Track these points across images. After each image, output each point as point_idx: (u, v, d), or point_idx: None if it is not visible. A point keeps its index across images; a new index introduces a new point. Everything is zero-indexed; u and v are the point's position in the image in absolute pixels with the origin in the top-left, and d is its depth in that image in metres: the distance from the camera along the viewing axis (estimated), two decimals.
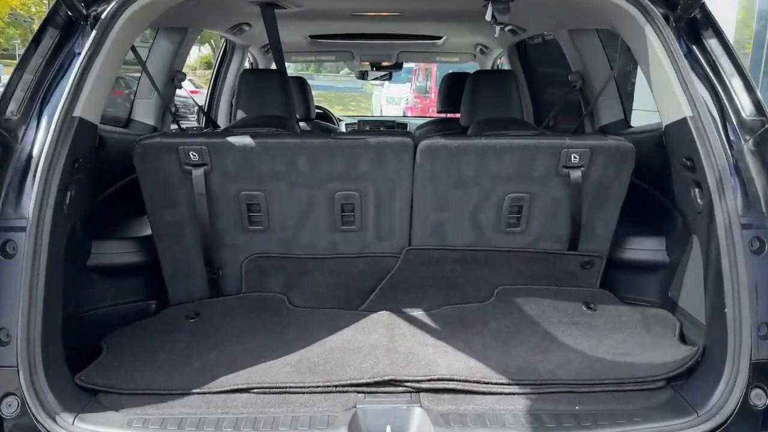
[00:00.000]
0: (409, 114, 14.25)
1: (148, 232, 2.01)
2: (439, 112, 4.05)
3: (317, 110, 4.53)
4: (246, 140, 1.83)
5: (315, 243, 2.01)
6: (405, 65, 5.53)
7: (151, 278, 2.06)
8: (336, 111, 5.79)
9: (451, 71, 4.16)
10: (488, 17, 1.85)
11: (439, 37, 3.98)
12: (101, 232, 1.96)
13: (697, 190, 1.64)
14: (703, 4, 1.69)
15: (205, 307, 1.99)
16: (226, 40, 3.71)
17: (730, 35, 2.01)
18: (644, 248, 2.06)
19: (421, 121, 4.63)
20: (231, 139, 1.83)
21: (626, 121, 2.72)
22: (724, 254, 1.50)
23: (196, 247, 1.97)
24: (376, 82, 8.06)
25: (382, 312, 1.93)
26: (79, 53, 1.59)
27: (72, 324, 1.69)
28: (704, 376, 1.55)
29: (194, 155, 1.82)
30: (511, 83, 2.65)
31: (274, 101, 2.49)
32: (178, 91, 2.85)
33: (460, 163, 1.89)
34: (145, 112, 2.67)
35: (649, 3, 1.68)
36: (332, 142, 1.86)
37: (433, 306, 1.99)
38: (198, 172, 1.84)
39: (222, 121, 3.72)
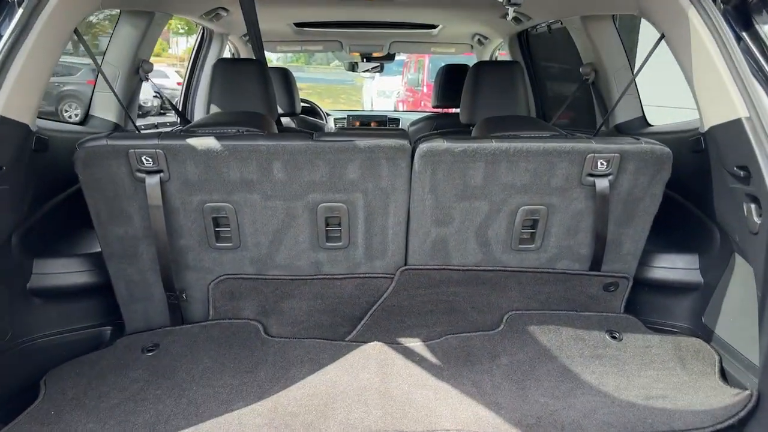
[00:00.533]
0: (401, 107, 13.94)
1: (98, 248, 1.71)
2: (434, 107, 3.76)
3: (304, 104, 4.22)
4: (211, 142, 1.54)
5: (295, 262, 1.72)
6: (396, 57, 5.23)
7: (106, 301, 1.77)
8: (326, 104, 5.48)
9: (445, 63, 3.86)
10: None
11: (435, 26, 3.69)
12: (44, 250, 1.67)
13: (752, 205, 1.37)
14: None
15: (165, 338, 1.70)
16: (203, 28, 3.39)
17: None
18: (675, 266, 1.79)
19: (415, 116, 4.33)
20: (192, 141, 1.53)
21: (644, 118, 2.44)
22: None
23: (154, 268, 1.67)
24: (367, 74, 7.75)
25: (373, 343, 1.65)
26: (1, 37, 1.30)
27: (6, 359, 1.40)
28: (760, 429, 1.29)
29: (148, 160, 1.52)
30: (518, 76, 2.36)
31: (251, 95, 2.19)
32: (166, 83, 2.54)
33: (466, 169, 1.60)
34: (105, 107, 2.36)
35: None
36: (314, 146, 1.57)
37: (434, 335, 1.71)
38: (152, 181, 1.54)
39: (198, 117, 3.41)
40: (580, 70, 2.54)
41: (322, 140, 1.58)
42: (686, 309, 1.78)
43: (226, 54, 3.93)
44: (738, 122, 1.35)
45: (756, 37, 1.42)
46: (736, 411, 1.33)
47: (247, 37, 3.77)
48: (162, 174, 1.54)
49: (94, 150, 1.51)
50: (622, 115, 2.42)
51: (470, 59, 4.73)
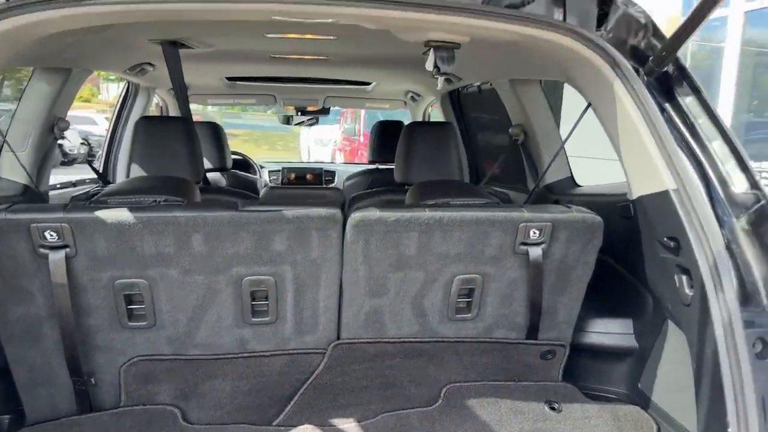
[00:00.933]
0: (338, 156, 13.98)
1: None
2: (370, 161, 3.74)
3: (235, 157, 4.11)
4: (122, 215, 1.42)
5: (217, 340, 1.59)
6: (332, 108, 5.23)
7: (3, 387, 1.58)
8: (262, 151, 5.37)
9: (381, 119, 3.88)
10: (429, 66, 1.55)
11: (369, 83, 3.71)
12: None
13: (684, 276, 1.37)
14: (677, 58, 1.45)
15: (71, 428, 1.52)
16: (128, 81, 3.26)
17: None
18: (609, 331, 1.78)
19: (351, 169, 4.29)
20: (101, 213, 1.41)
21: (572, 178, 2.49)
22: (724, 360, 1.21)
23: (59, 350, 1.50)
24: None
25: (304, 426, 1.53)
26: None
27: None
28: None
29: (52, 235, 1.38)
30: (450, 137, 2.36)
31: (175, 157, 2.08)
32: (94, 130, 2.38)
33: (399, 239, 1.55)
34: (14, 168, 2.18)
35: (618, 53, 1.43)
36: (238, 217, 1.47)
37: (369, 414, 1.61)
38: (57, 257, 1.40)
39: (121, 178, 3.23)
40: (510, 131, 2.58)
41: (247, 211, 1.48)
42: (623, 375, 1.76)
43: (153, 107, 3.80)
44: (665, 194, 1.36)
45: (679, 109, 1.46)
46: None
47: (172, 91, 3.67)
48: (68, 249, 1.40)
49: None
50: (552, 175, 2.46)
51: (405, 113, 4.79)
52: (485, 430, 1.55)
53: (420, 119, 4.32)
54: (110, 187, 1.87)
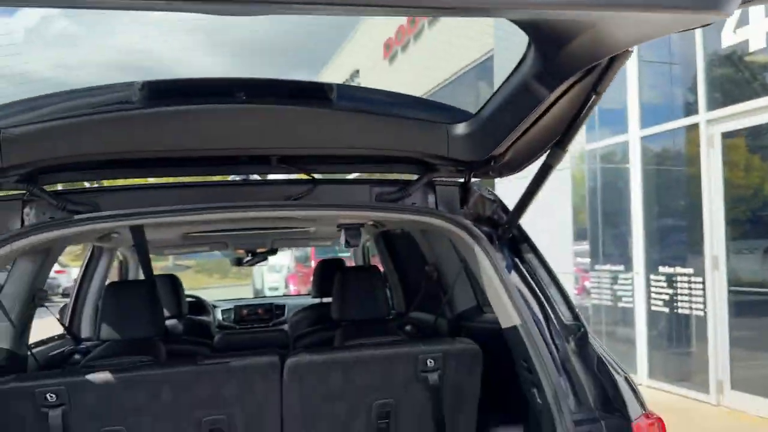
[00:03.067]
0: (291, 283, 14.40)
1: None
2: (314, 297, 4.19)
3: (190, 299, 4.49)
4: (107, 376, 1.81)
5: None
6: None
7: None
8: (215, 281, 5.71)
9: (323, 259, 4.40)
10: (342, 241, 2.07)
11: (310, 227, 4.24)
12: None
13: (535, 390, 1.83)
14: (519, 225, 2.02)
15: None
16: (93, 246, 3.69)
17: None
18: None
19: (299, 301, 4.72)
20: (91, 376, 1.81)
21: (480, 307, 2.99)
22: None
23: None
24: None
25: None
26: None
27: None
28: None
29: (52, 396, 1.76)
30: (376, 279, 2.86)
31: (141, 317, 2.48)
32: (62, 278, 2.74)
33: (328, 377, 1.98)
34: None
35: (473, 226, 1.97)
36: (195, 370, 1.89)
37: None
38: (55, 413, 1.76)
39: (86, 330, 3.57)
40: (426, 268, 3.10)
41: (204, 364, 1.91)
42: None
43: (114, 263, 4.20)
44: (515, 328, 1.85)
45: (523, 261, 2.00)
46: None
47: (134, 247, 4.11)
48: (64, 407, 1.77)
49: (1, 393, 1.73)
50: (462, 305, 2.96)
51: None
52: None
53: (360, 253, 4.88)
54: (96, 352, 2.25)
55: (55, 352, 2.92)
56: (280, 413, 1.97)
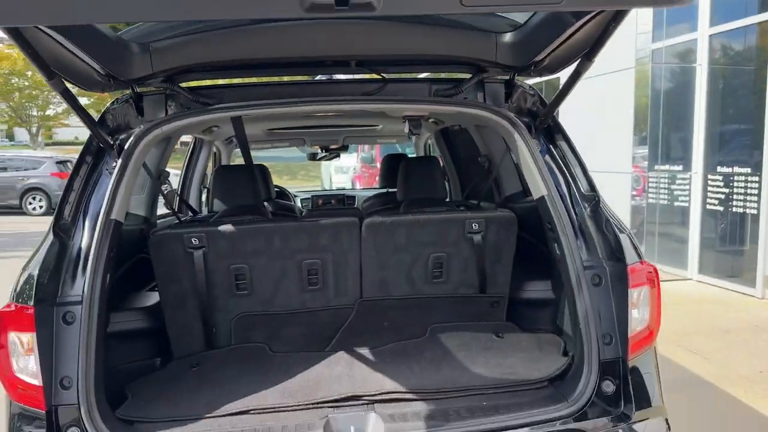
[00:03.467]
0: (357, 182, 15.12)
1: (150, 303, 2.55)
2: (381, 187, 4.77)
3: (275, 189, 5.18)
4: (233, 227, 2.45)
5: (288, 301, 2.61)
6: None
7: (156, 340, 2.59)
8: (284, 182, 6.42)
9: (389, 154, 4.93)
10: (405, 130, 2.57)
11: (378, 125, 4.75)
12: (116, 305, 2.50)
13: (555, 244, 2.33)
14: (554, 116, 2.44)
15: (203, 359, 2.53)
16: (195, 138, 4.36)
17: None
18: (537, 289, 2.74)
19: (367, 193, 5.34)
20: (222, 228, 2.45)
21: (524, 191, 3.46)
22: (576, 288, 2.15)
23: (196, 312, 2.53)
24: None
25: (341, 351, 2.52)
26: (109, 172, 2.18)
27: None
28: (572, 375, 2.17)
29: (195, 241, 2.42)
30: (435, 169, 3.37)
31: (246, 191, 3.13)
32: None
33: (394, 233, 2.55)
34: (137, 206, 3.25)
35: (515, 117, 2.41)
36: (298, 225, 2.51)
37: (381, 344, 2.59)
38: (198, 254, 2.43)
39: (193, 206, 4.33)
40: (479, 159, 3.57)
41: (304, 221, 2.51)
42: (546, 316, 2.71)
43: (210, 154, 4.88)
44: (543, 198, 2.33)
45: (556, 146, 2.44)
46: (560, 368, 2.23)
47: (228, 140, 4.78)
48: (204, 249, 2.43)
49: (163, 236, 2.40)
50: (509, 190, 3.44)
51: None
52: (454, 349, 2.51)
53: (422, 149, 5.38)
54: (221, 212, 2.92)
55: (179, 221, 3.66)
56: (359, 259, 2.58)
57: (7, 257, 10.60)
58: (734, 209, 7.04)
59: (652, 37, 7.65)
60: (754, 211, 6.74)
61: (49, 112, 35.06)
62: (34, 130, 35.29)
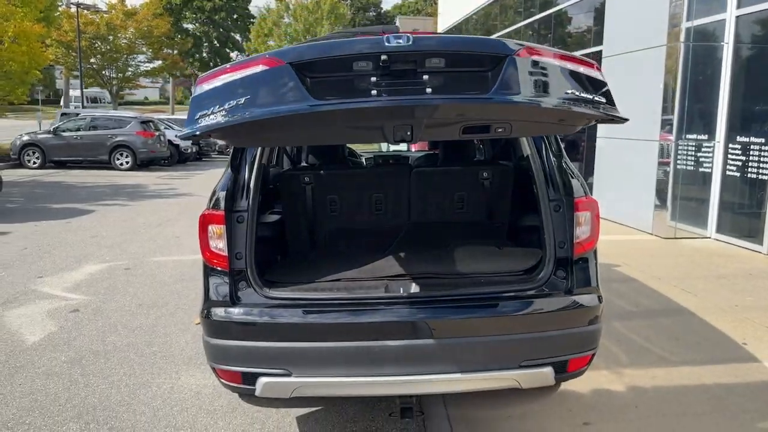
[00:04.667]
0: (412, 149, 16.39)
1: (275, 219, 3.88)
2: (429, 149, 6.01)
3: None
4: (329, 171, 3.74)
5: (363, 220, 3.90)
6: None
7: (280, 243, 3.93)
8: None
9: None
10: None
11: None
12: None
13: (534, 186, 3.44)
14: None
15: (310, 254, 3.84)
16: None
17: None
18: (528, 218, 3.91)
19: (417, 155, 6.59)
20: (322, 172, 3.74)
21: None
22: (544, 213, 3.19)
23: (305, 225, 3.85)
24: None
25: (396, 251, 3.77)
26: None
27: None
28: (540, 267, 3.21)
29: (307, 179, 3.72)
30: (468, 141, 4.55)
31: (333, 150, 4.42)
32: None
33: (432, 178, 3.78)
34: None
35: None
36: (369, 171, 3.77)
37: (421, 248, 3.83)
38: (309, 187, 3.74)
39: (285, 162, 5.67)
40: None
41: (373, 169, 3.77)
42: (535, 237, 3.88)
43: None
44: (527, 156, 3.47)
45: None
46: (532, 262, 3.34)
47: None
48: (312, 185, 3.73)
49: (289, 175, 3.72)
50: (523, 151, 4.57)
51: None
52: (469, 253, 3.70)
53: None
54: (319, 163, 4.24)
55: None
56: (408, 195, 3.82)
57: (111, 204, 12.43)
58: (749, 175, 7.86)
59: (684, 16, 8.39)
60: (766, 177, 7.57)
61: (126, 74, 37.53)
62: (114, 90, 37.94)
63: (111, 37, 34.56)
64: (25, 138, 19.37)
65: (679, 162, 8.68)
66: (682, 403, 3.70)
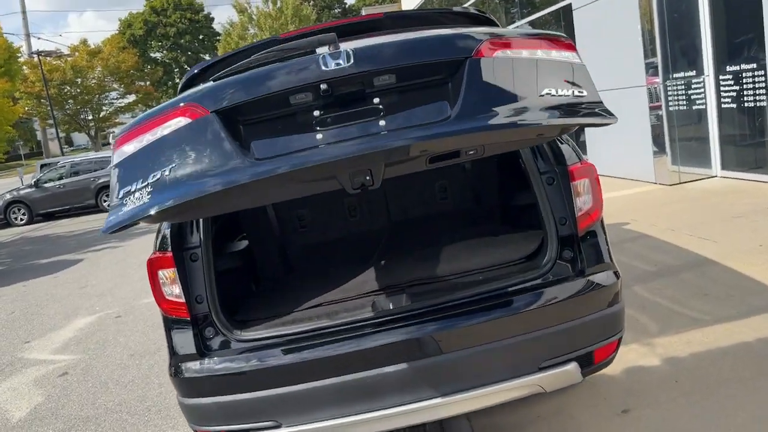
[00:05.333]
0: None
1: (242, 247, 3.50)
2: None
3: None
4: None
5: (338, 230, 3.52)
6: None
7: (250, 272, 3.56)
8: None
9: None
10: None
11: None
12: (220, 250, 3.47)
13: (520, 159, 3.05)
14: None
15: (284, 278, 3.48)
16: None
17: None
18: (522, 197, 3.52)
19: None
20: None
21: None
22: (537, 188, 2.74)
23: (274, 245, 3.47)
24: None
25: (380, 257, 3.40)
26: None
27: None
28: (542, 250, 2.81)
29: None
30: None
31: None
32: None
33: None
34: None
35: None
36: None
37: (408, 249, 3.46)
38: (270, 205, 3.35)
39: None
40: None
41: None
42: (533, 218, 3.49)
43: None
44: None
45: None
46: (533, 247, 2.96)
47: None
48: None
49: None
50: None
51: None
52: (461, 247, 3.32)
53: None
54: None
55: None
56: (384, 193, 3.44)
57: (100, 249, 12.08)
58: (746, 104, 7.47)
59: None
60: (764, 104, 7.17)
61: (102, 114, 37.18)
62: (92, 133, 37.58)
63: (79, 80, 34.15)
64: (8, 197, 19.02)
65: (671, 103, 8.29)
66: (725, 367, 3.34)
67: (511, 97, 1.99)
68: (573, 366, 2.56)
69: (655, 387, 3.28)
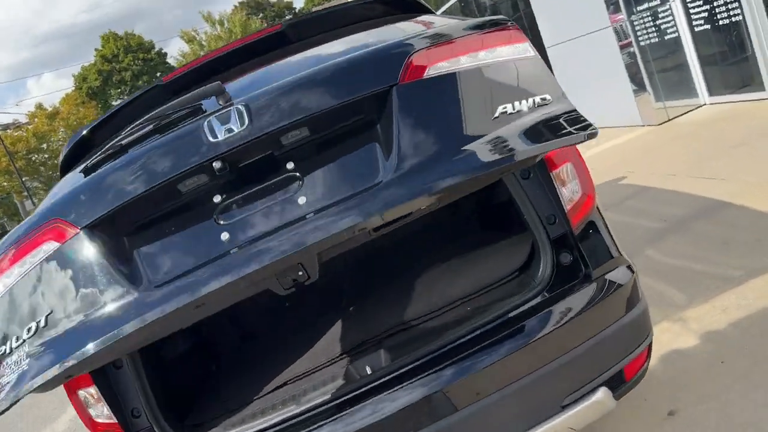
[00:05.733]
0: None
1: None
2: None
3: None
4: None
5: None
6: None
7: (201, 353, 3.06)
8: None
9: None
10: None
11: None
12: None
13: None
14: None
15: (243, 357, 2.98)
16: None
17: None
18: (495, 192, 2.99)
19: None
20: None
21: None
22: (511, 186, 2.21)
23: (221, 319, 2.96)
24: None
25: (345, 310, 2.87)
26: None
27: None
28: (536, 259, 2.25)
29: None
30: None
31: None
32: None
33: None
34: None
35: None
36: None
37: (377, 291, 2.96)
38: None
39: None
40: None
41: None
42: (516, 217, 2.95)
43: None
44: None
45: None
46: (523, 257, 2.42)
47: None
48: None
49: None
50: None
51: None
52: (439, 272, 2.80)
53: None
54: None
55: None
56: None
57: None
58: (721, 22, 6.96)
59: None
60: (739, 18, 6.66)
61: None
62: None
63: (44, 145, 33.53)
64: None
65: (641, 38, 7.79)
66: None
67: (458, 131, 1.54)
68: (602, 393, 2.07)
69: (700, 374, 2.80)
